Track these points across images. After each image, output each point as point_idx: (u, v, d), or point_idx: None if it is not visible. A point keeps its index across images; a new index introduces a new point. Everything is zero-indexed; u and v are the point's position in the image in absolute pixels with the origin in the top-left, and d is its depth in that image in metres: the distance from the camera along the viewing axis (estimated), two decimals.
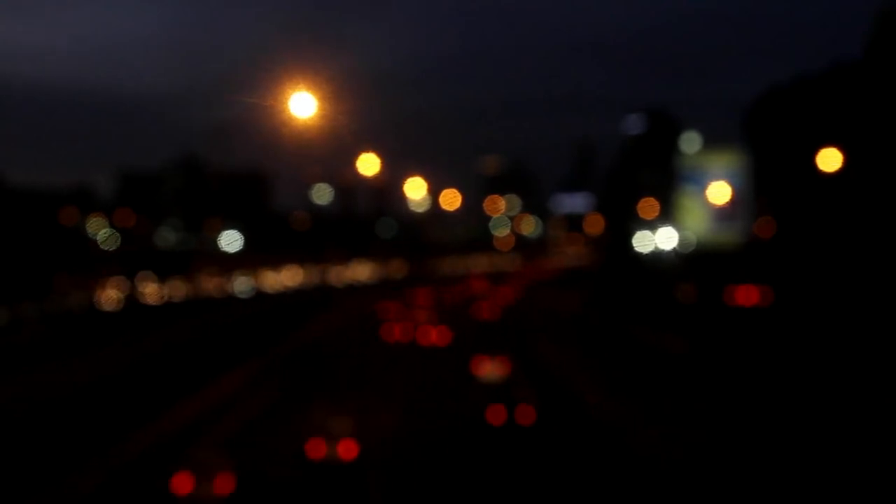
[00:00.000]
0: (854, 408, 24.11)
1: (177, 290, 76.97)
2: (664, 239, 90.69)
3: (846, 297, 49.98)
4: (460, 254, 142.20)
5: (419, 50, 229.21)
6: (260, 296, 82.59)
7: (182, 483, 17.20)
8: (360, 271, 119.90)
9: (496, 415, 23.17)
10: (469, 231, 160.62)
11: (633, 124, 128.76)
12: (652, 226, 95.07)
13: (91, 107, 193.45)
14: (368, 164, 36.27)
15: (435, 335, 46.64)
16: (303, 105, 20.52)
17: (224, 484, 17.46)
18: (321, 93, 20.68)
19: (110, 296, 67.17)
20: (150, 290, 73.30)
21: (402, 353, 41.44)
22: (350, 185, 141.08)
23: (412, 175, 57.85)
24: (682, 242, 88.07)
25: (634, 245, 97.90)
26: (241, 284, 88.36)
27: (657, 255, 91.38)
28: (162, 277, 78.81)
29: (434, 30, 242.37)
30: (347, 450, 19.41)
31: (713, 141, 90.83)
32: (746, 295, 59.23)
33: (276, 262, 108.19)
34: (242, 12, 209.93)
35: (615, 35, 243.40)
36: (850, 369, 29.23)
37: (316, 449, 19.42)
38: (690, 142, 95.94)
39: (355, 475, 18.74)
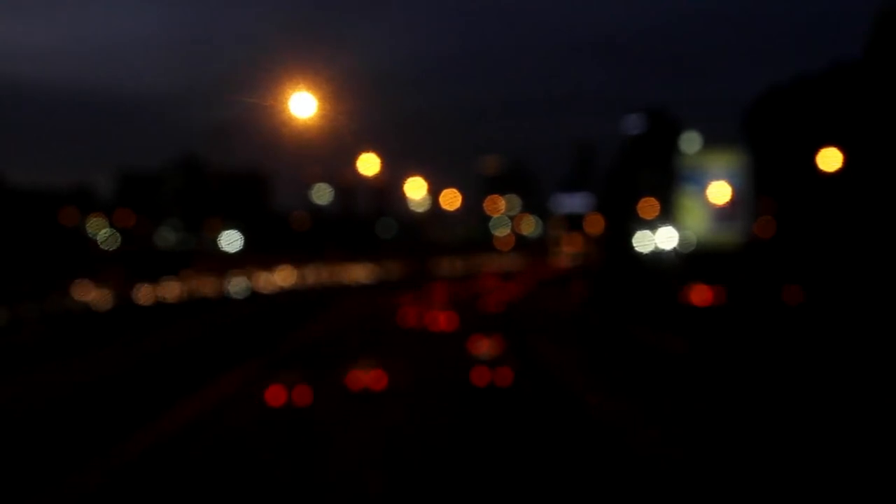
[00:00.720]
0: (853, 408, 24.15)
1: (170, 290, 76.71)
2: (664, 239, 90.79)
3: (835, 297, 50.07)
4: (461, 254, 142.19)
5: (419, 50, 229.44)
6: (254, 297, 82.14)
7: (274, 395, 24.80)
8: (360, 271, 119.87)
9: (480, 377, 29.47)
10: (469, 231, 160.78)
11: (633, 124, 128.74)
12: (652, 226, 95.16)
13: (91, 107, 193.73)
14: (368, 164, 36.34)
15: (444, 322, 51.82)
16: (303, 105, 20.54)
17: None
18: (321, 93, 20.71)
19: (96, 297, 66.74)
20: (143, 292, 73.14)
21: (413, 335, 47.29)
22: (350, 185, 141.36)
23: (412, 175, 57.96)
24: (682, 242, 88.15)
25: (634, 245, 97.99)
26: (235, 285, 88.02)
27: (657, 255, 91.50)
28: (153, 278, 78.55)
29: (434, 30, 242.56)
30: (378, 380, 27.53)
31: (713, 141, 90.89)
32: (700, 295, 59.59)
33: (275, 263, 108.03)
34: (242, 12, 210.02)
35: (615, 35, 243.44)
36: (828, 368, 29.30)
37: (355, 381, 27.34)
38: (690, 142, 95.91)
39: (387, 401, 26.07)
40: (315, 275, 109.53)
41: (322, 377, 28.48)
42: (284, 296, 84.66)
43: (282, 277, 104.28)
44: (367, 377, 27.45)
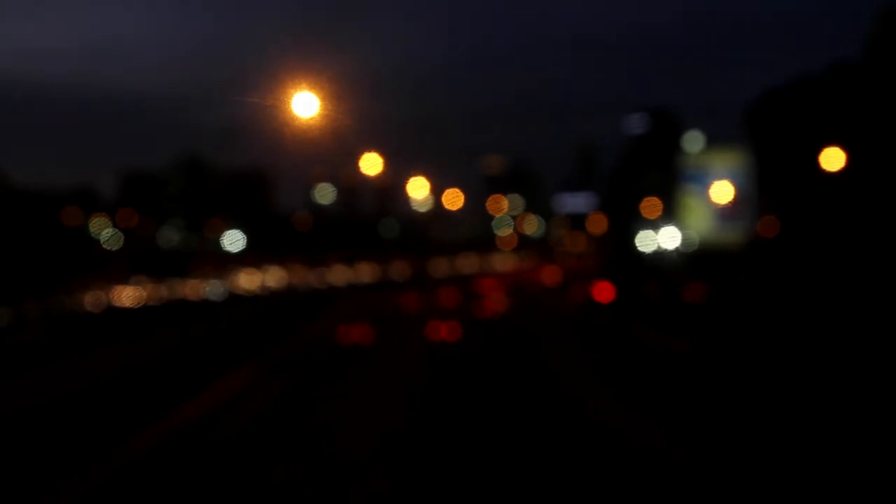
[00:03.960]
0: (853, 410, 24.08)
1: (155, 292, 76.52)
2: (667, 238, 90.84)
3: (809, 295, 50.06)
4: (462, 253, 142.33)
5: (422, 50, 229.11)
6: (234, 298, 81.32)
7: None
8: (362, 271, 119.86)
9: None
10: (472, 231, 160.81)
11: (636, 124, 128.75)
12: (655, 225, 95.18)
13: (93, 107, 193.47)
14: (371, 164, 36.36)
15: (488, 289, 74.54)
16: (305, 105, 20.55)
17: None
18: (324, 92, 20.73)
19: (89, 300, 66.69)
20: (129, 294, 73.06)
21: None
22: (353, 185, 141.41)
23: (415, 175, 58.05)
24: (685, 242, 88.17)
25: (637, 244, 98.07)
26: (215, 287, 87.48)
27: (660, 255, 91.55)
28: (156, 278, 78.53)
29: (437, 30, 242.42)
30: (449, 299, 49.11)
31: (716, 140, 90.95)
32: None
33: (276, 263, 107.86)
34: (245, 12, 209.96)
35: (615, 35, 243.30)
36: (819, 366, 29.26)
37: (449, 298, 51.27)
38: (693, 141, 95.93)
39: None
40: (314, 275, 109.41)
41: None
42: (265, 298, 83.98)
43: (273, 278, 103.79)
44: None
